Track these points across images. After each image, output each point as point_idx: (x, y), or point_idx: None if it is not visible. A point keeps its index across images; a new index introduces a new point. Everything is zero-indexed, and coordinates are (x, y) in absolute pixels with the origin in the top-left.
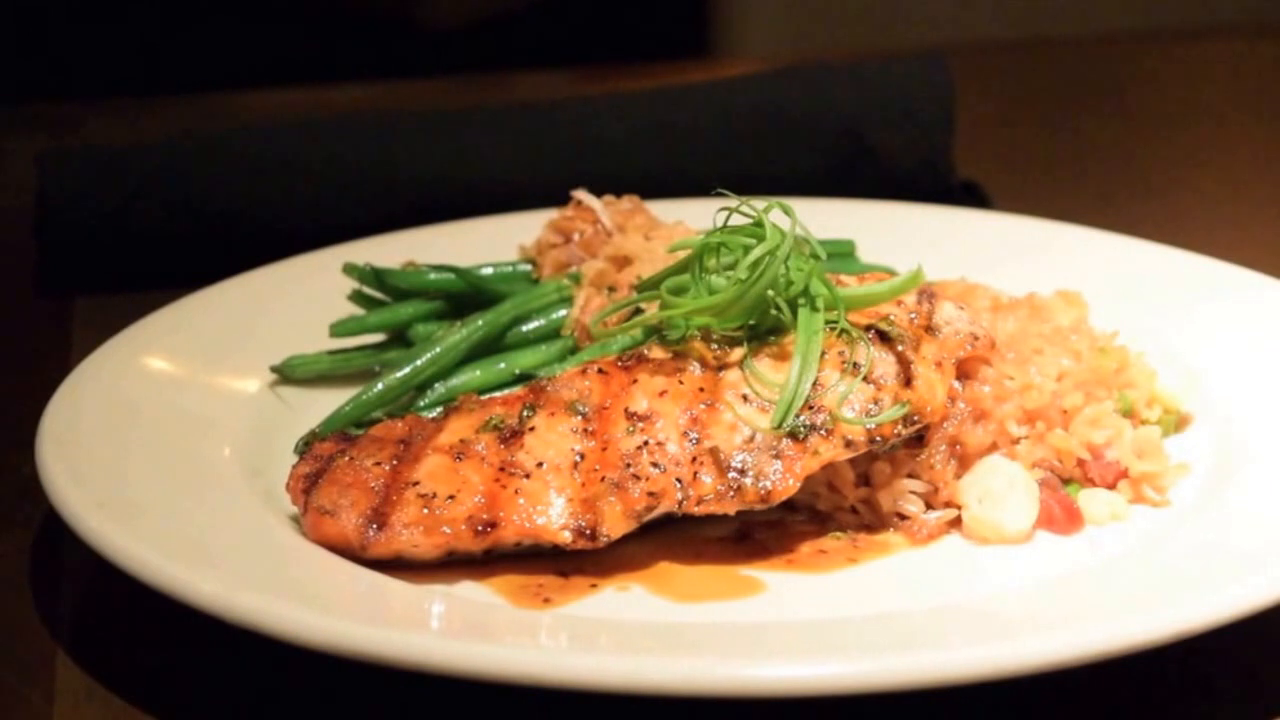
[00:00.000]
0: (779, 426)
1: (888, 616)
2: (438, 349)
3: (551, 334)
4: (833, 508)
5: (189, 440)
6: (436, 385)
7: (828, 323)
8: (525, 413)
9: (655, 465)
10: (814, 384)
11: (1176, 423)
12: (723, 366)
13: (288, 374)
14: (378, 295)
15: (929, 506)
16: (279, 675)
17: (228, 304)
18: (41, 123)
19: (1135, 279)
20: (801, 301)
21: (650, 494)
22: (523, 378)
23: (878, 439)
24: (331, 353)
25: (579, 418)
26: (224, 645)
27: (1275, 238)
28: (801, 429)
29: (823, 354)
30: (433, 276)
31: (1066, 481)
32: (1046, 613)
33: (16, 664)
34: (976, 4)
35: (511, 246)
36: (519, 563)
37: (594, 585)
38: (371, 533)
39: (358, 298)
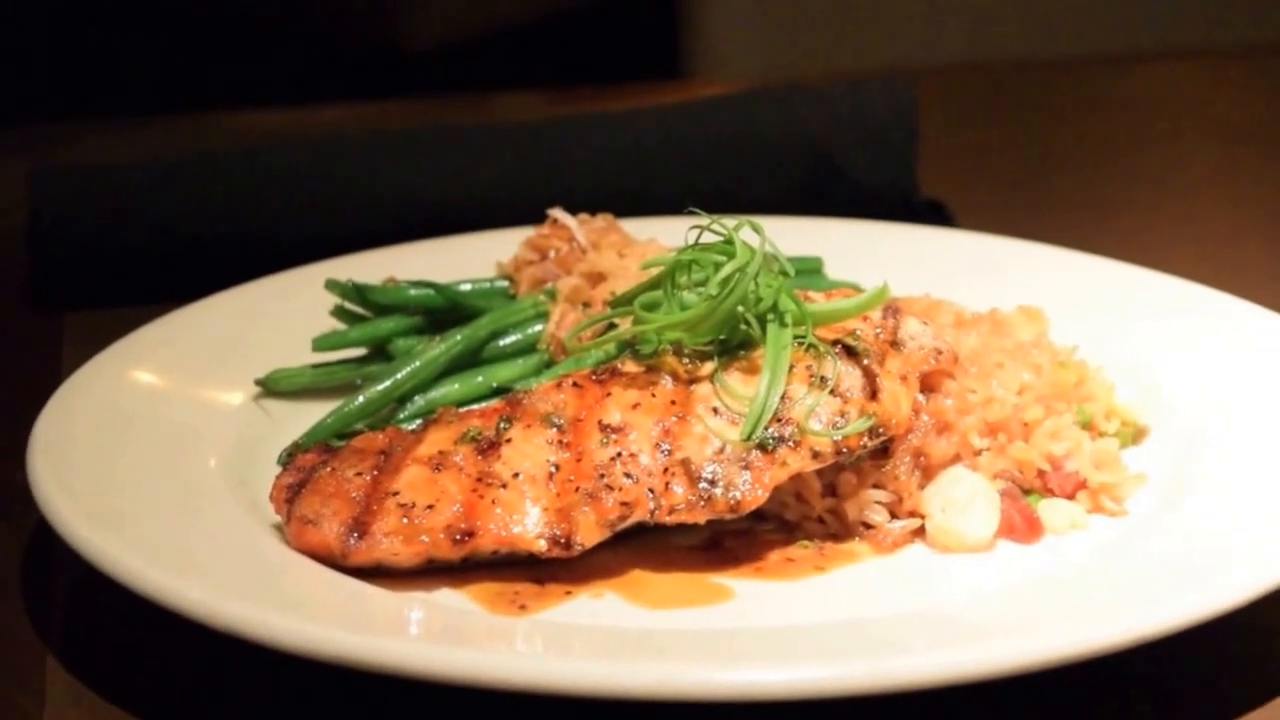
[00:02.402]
0: (748, 438)
1: (853, 623)
2: (417, 363)
3: (528, 348)
4: (800, 517)
5: (176, 451)
6: (416, 398)
7: (796, 338)
8: (502, 425)
9: (628, 476)
10: (782, 397)
11: (1134, 435)
12: (694, 380)
13: (272, 387)
14: (359, 310)
15: (894, 516)
16: (263, 680)
17: (214, 319)
18: (33, 142)
19: (1094, 295)
20: (770, 317)
21: (623, 504)
22: (500, 391)
23: (844, 450)
24: (314, 366)
25: (554, 430)
26: (209, 651)
27: (1230, 255)
28: (770, 441)
29: (791, 368)
30: (413, 292)
31: (1027, 492)
32: (1007, 619)
33: (7, 668)
34: (941, 29)
35: (489, 263)
36: (496, 570)
37: (569, 592)
38: (353, 541)
39: (340, 313)
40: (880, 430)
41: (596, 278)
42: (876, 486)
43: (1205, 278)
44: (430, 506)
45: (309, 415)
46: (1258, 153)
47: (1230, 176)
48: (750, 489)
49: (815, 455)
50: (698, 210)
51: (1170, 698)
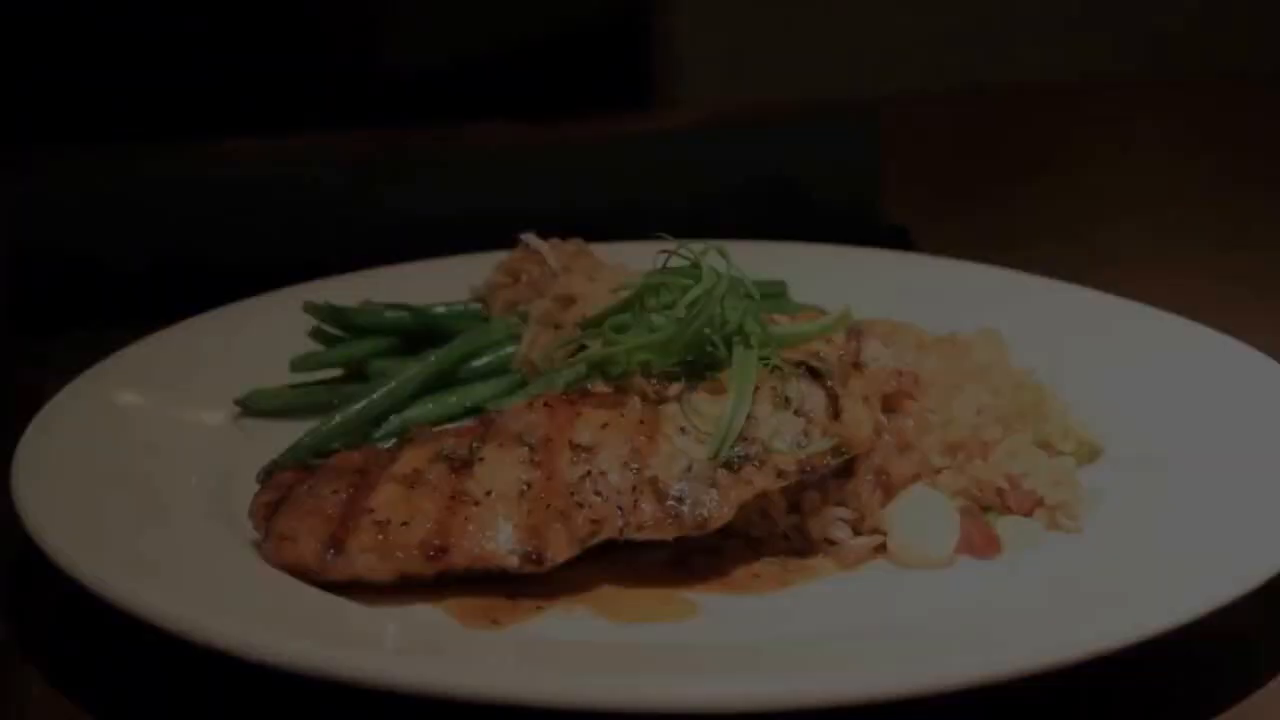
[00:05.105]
0: (715, 457)
1: (817, 637)
2: (393, 383)
3: (501, 369)
4: (765, 534)
5: (157, 470)
6: (392, 418)
7: (761, 359)
8: (475, 444)
9: (598, 494)
10: (748, 417)
11: (1089, 454)
12: (662, 400)
13: (251, 407)
14: (336, 332)
15: (856, 533)
16: (242, 694)
17: (194, 340)
18: (14, 168)
19: (1052, 319)
20: (736, 339)
21: (593, 521)
22: (473, 411)
23: (808, 469)
24: (293, 387)
25: (526, 449)
26: (191, 665)
27: (1185, 279)
28: (736, 459)
29: (756, 389)
30: (389, 315)
31: (986, 509)
32: (966, 632)
33: None
34: (904, 59)
35: (463, 287)
36: (469, 586)
37: (540, 607)
38: (330, 557)
39: (317, 335)
40: (843, 449)
41: (567, 300)
42: (839, 504)
43: (1159, 301)
44: (405, 523)
45: (287, 434)
46: (1214, 179)
47: (1186, 203)
48: (717, 506)
49: (780, 473)
50: (666, 235)
51: (1124, 709)
